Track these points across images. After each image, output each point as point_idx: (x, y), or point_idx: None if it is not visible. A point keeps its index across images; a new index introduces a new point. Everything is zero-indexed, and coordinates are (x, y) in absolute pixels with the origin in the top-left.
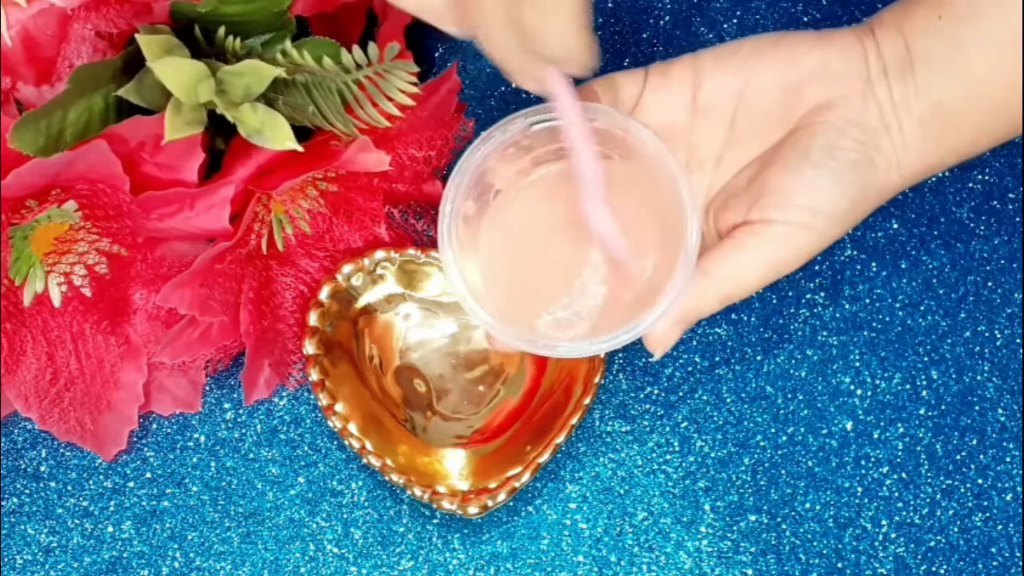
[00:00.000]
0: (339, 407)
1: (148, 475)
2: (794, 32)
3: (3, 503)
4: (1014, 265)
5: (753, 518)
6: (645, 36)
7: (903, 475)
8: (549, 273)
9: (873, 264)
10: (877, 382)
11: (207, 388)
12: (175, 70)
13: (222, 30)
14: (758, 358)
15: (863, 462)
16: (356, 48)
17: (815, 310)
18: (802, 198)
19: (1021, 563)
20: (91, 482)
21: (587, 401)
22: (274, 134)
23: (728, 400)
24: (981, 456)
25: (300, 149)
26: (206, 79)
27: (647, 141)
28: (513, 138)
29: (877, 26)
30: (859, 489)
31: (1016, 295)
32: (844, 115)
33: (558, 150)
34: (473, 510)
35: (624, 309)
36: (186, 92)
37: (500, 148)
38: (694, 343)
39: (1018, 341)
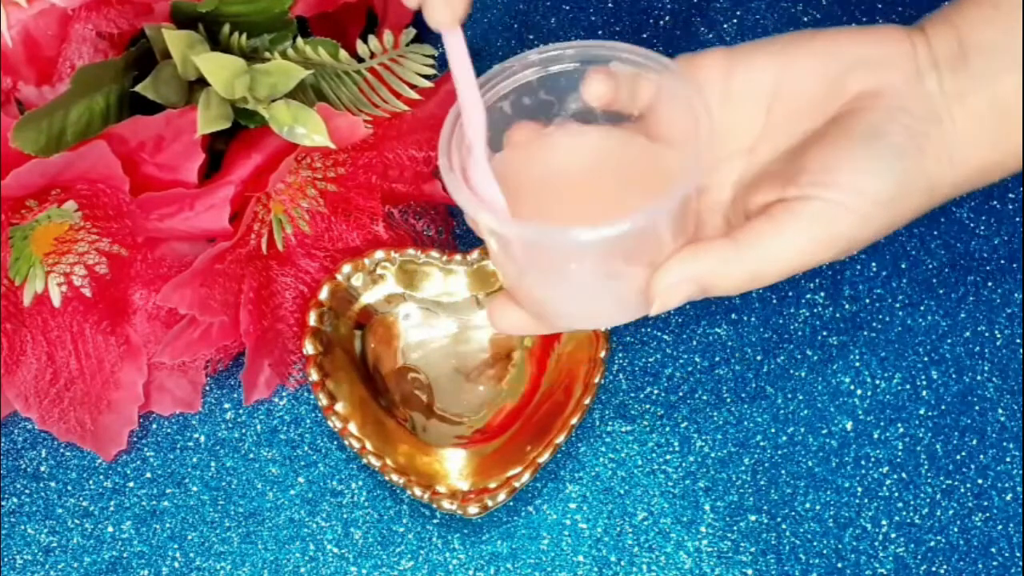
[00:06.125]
0: (339, 407)
1: (148, 475)
2: (832, 28)
3: (3, 503)
4: (1014, 265)
5: (753, 518)
6: (645, 36)
7: (903, 475)
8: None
9: (873, 264)
10: (877, 382)
11: (207, 388)
12: (218, 64)
13: (226, 28)
14: (758, 358)
15: (863, 462)
16: (371, 37)
17: (815, 310)
18: (846, 175)
19: (1021, 563)
20: (91, 482)
21: (587, 401)
22: (309, 129)
23: (728, 400)
24: (981, 456)
25: (333, 146)
26: (243, 75)
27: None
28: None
29: (927, 23)
30: (859, 489)
31: (1016, 295)
32: (891, 101)
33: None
34: (473, 510)
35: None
36: (225, 86)
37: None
38: (694, 343)
39: (1018, 341)
